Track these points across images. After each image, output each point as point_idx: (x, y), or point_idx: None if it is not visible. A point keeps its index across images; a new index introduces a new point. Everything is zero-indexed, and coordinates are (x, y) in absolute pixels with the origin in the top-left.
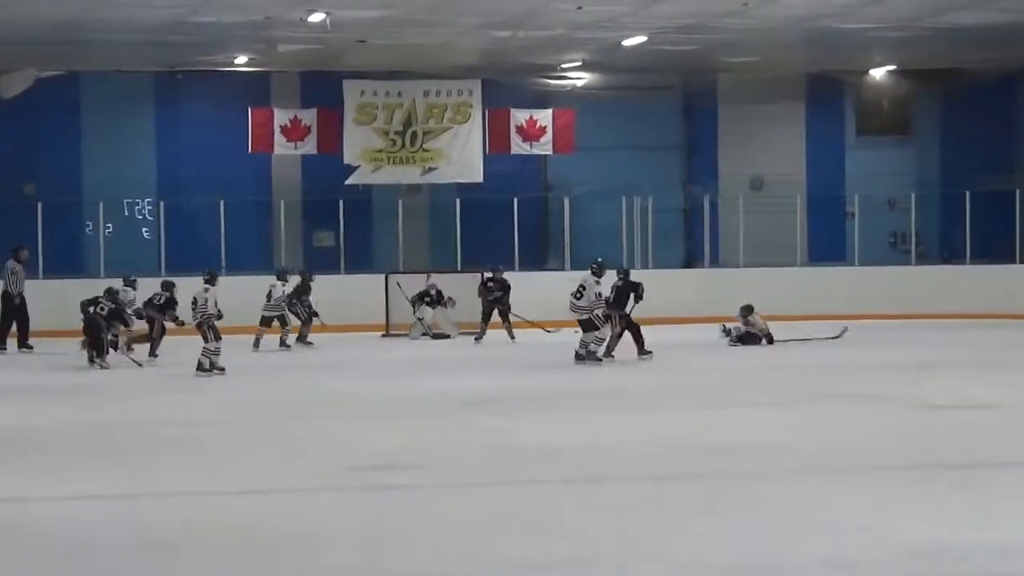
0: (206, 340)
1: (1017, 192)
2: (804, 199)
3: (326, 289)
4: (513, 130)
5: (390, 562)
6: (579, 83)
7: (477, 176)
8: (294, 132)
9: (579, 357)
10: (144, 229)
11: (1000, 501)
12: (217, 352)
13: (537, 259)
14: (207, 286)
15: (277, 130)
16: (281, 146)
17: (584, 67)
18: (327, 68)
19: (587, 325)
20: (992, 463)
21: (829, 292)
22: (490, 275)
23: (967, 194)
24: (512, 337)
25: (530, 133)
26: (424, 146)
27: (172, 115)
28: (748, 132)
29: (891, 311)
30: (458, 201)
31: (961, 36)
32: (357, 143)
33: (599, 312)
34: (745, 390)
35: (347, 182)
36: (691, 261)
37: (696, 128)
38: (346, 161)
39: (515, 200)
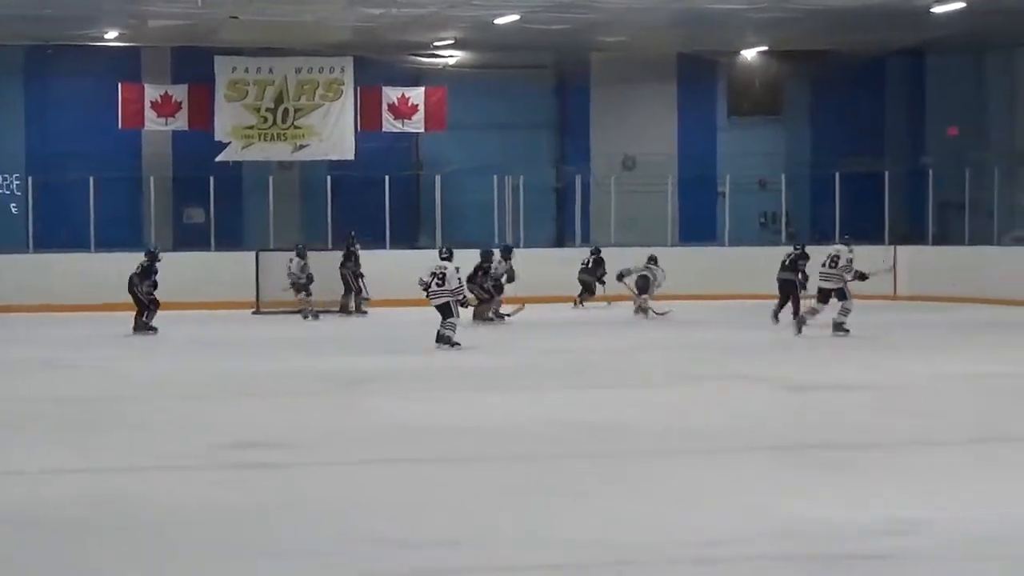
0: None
1: (886, 173)
2: (675, 179)
3: (195, 266)
4: (385, 108)
5: (261, 539)
6: (451, 61)
7: (348, 154)
8: (165, 108)
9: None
10: (12, 204)
11: (870, 481)
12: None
13: (408, 237)
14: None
15: (148, 106)
16: (152, 122)
17: (456, 45)
18: (198, 44)
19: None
20: (863, 443)
21: (699, 272)
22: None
23: (837, 175)
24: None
25: (402, 111)
26: (295, 123)
27: (42, 90)
28: (620, 112)
29: (762, 291)
30: (329, 178)
31: (832, 18)
32: (228, 120)
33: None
34: (621, 370)
35: (218, 159)
36: (562, 240)
37: (568, 107)
38: (217, 138)
39: (387, 178)
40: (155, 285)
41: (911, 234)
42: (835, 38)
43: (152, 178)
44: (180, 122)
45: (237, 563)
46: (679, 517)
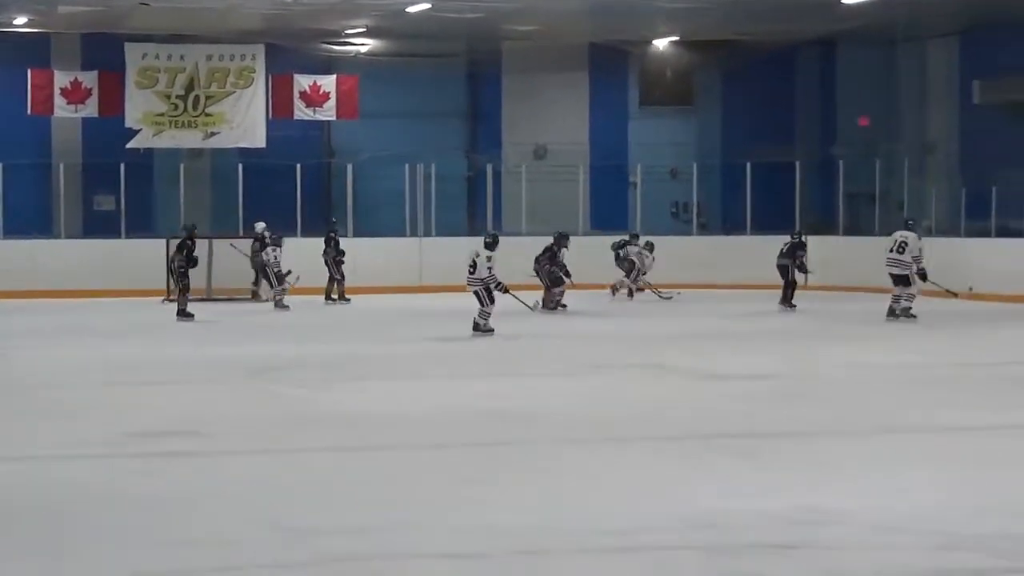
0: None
1: (797, 164)
2: (587, 168)
3: (105, 253)
4: (296, 96)
5: (173, 527)
6: (363, 49)
7: (260, 141)
8: (75, 94)
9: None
10: None
11: (781, 470)
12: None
13: (320, 225)
14: None
15: (57, 92)
16: (61, 108)
17: (368, 33)
18: (109, 30)
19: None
20: (774, 433)
21: (611, 261)
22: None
23: (748, 165)
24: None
25: (313, 99)
26: (206, 111)
27: None
28: (532, 101)
29: (672, 280)
30: (241, 166)
31: (743, 8)
32: (139, 107)
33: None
34: (534, 359)
35: (128, 146)
36: (474, 229)
37: (480, 96)
38: (127, 125)
39: (298, 166)
40: (189, 262)
41: (821, 224)
42: (746, 28)
43: (62, 165)
44: (90, 109)
45: (148, 552)
46: (590, 506)
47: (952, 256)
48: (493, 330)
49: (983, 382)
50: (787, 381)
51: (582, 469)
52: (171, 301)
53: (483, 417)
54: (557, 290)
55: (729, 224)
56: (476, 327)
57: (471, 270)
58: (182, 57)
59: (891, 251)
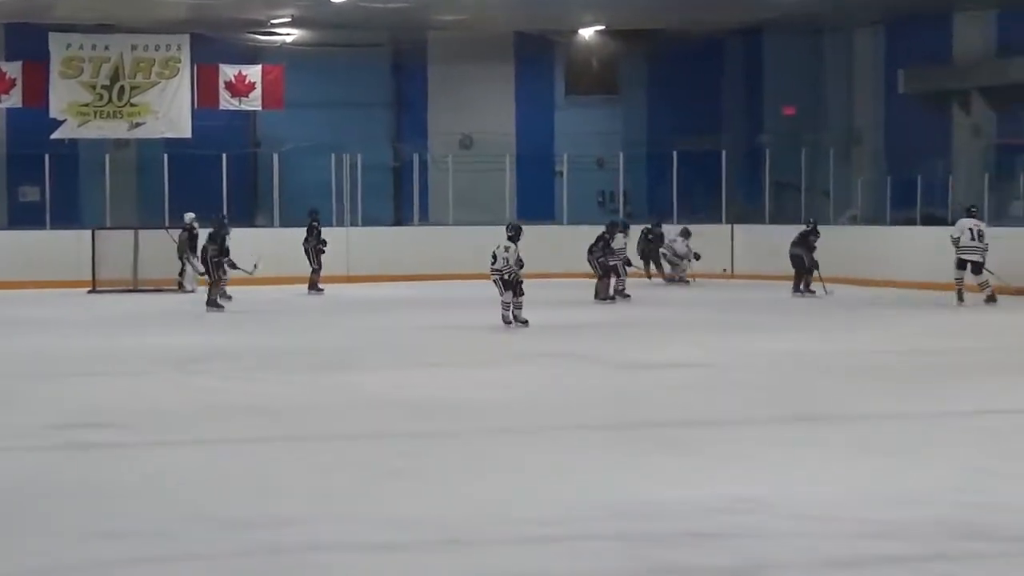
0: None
1: (723, 152)
2: (513, 158)
3: (30, 245)
4: (222, 85)
5: (97, 520)
6: (288, 39)
7: (185, 131)
8: None
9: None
10: None
11: (704, 459)
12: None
13: (246, 215)
14: None
15: None
16: None
17: (293, 23)
18: (33, 20)
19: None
20: (696, 421)
21: (538, 250)
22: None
23: (674, 154)
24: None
25: (239, 89)
26: (132, 101)
27: None
28: (458, 91)
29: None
30: (166, 156)
31: None
32: (63, 97)
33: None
34: (456, 349)
35: (53, 136)
36: (401, 219)
37: (406, 86)
38: (52, 115)
39: (224, 156)
40: (222, 252)
41: (747, 213)
42: (672, 17)
43: None
44: (14, 99)
45: (74, 545)
46: (511, 496)
47: (878, 244)
48: (527, 321)
49: (905, 370)
50: (711, 370)
51: (506, 459)
52: (97, 292)
53: (408, 408)
54: (619, 279)
55: (656, 213)
56: (507, 319)
57: (492, 260)
58: (107, 47)
59: (971, 239)
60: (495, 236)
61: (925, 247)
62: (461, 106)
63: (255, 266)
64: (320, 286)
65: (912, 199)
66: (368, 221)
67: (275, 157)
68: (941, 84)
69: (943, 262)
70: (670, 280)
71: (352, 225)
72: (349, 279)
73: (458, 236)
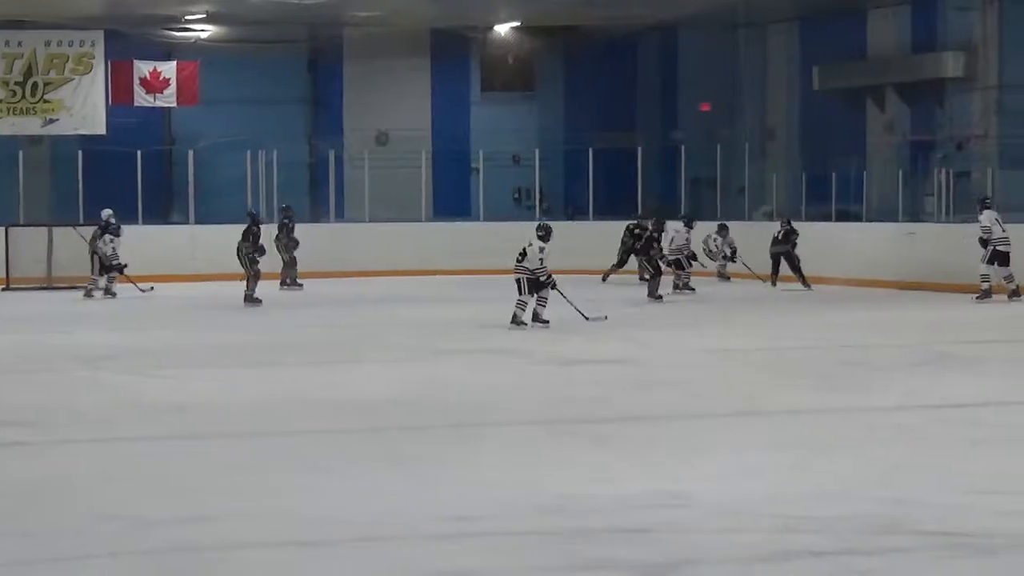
0: None
1: (639, 149)
2: (429, 155)
3: None
4: (136, 82)
5: (6, 518)
6: (203, 35)
7: (100, 128)
8: None
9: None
10: None
11: (633, 455)
12: None
13: (161, 212)
14: None
15: None
16: None
17: (208, 19)
18: None
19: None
20: (625, 417)
21: (454, 247)
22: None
23: (590, 151)
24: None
25: (154, 85)
26: (45, 97)
27: None
28: (374, 87)
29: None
30: (80, 153)
31: None
32: None
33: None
34: (377, 345)
35: None
36: (317, 216)
37: (321, 82)
38: None
39: (139, 153)
40: (256, 248)
41: (664, 210)
42: (588, 13)
43: None
44: None
45: None
46: (435, 492)
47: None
48: (548, 321)
49: (825, 365)
50: (636, 366)
51: (432, 455)
52: (10, 290)
53: (326, 405)
54: (683, 273)
55: (572, 210)
56: (518, 320)
57: (519, 257)
58: (20, 43)
59: (1003, 231)
60: (411, 232)
61: (840, 242)
62: (377, 103)
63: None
64: (300, 281)
65: (827, 195)
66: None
67: (190, 154)
68: (855, 80)
69: (859, 257)
70: (722, 278)
71: (268, 222)
72: (266, 276)
73: (374, 233)
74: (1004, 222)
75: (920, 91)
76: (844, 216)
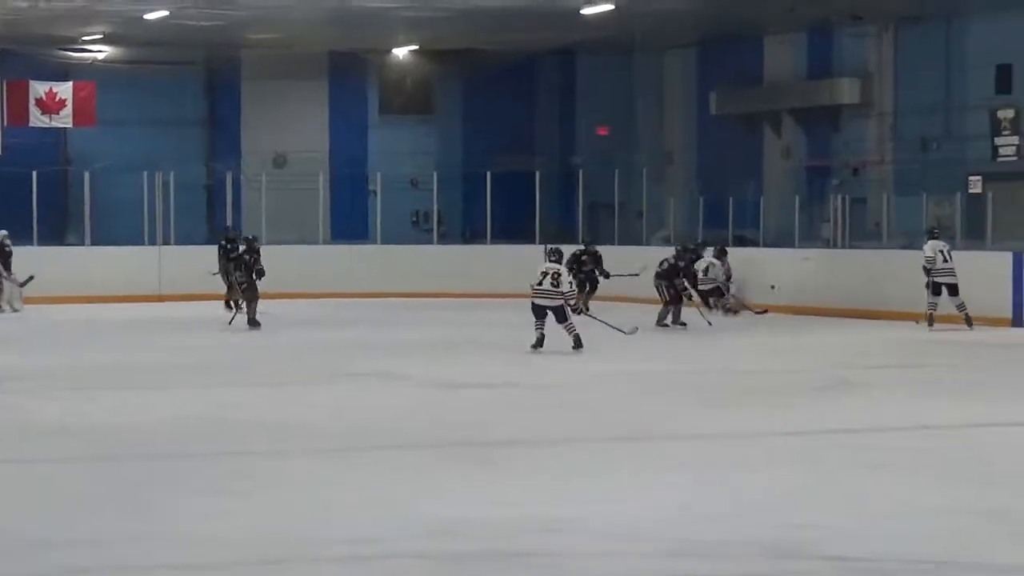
0: None
1: (537, 173)
2: (327, 177)
3: None
4: (32, 102)
5: None
6: (100, 56)
7: None
8: None
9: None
10: None
11: (517, 478)
12: None
13: (57, 234)
14: None
15: None
16: None
17: (105, 40)
18: None
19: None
20: (510, 441)
21: (351, 269)
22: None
23: (488, 174)
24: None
25: (49, 106)
26: None
27: None
28: (271, 109)
29: (412, 289)
30: None
31: (482, 17)
32: None
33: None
34: (269, 368)
35: None
36: (214, 238)
37: (219, 104)
38: None
39: (34, 173)
40: (249, 271)
41: (561, 234)
42: (486, 37)
43: None
44: None
45: None
46: (323, 516)
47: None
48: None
49: (716, 389)
50: (524, 390)
51: (316, 478)
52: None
53: (217, 427)
54: (721, 299)
55: (469, 233)
56: (577, 342)
57: (553, 283)
58: None
59: (943, 261)
60: (309, 255)
61: (740, 268)
62: (275, 125)
63: (29, 279)
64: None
65: (724, 220)
66: (180, 240)
67: (86, 175)
68: (752, 106)
69: (754, 282)
70: (727, 311)
71: (164, 244)
72: (161, 298)
73: (271, 255)
74: (901, 247)
75: (816, 117)
76: (740, 241)
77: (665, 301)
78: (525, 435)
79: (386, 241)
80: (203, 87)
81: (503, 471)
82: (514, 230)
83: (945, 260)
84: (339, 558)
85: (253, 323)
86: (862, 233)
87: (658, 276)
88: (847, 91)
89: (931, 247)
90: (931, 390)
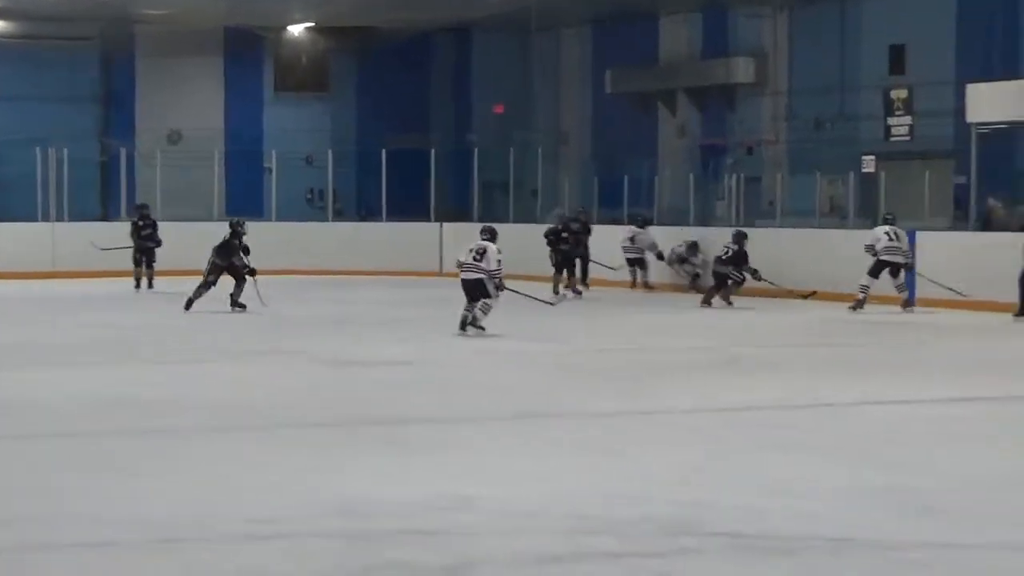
0: None
1: (432, 151)
2: (222, 154)
3: None
4: None
5: None
6: None
7: None
8: None
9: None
10: None
11: (418, 457)
12: None
13: None
14: None
15: None
16: None
17: None
18: None
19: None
20: (409, 418)
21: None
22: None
23: (383, 152)
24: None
25: None
26: None
27: None
28: (166, 85)
29: (308, 267)
30: None
31: None
32: None
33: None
34: (170, 346)
35: None
36: (108, 214)
37: (113, 80)
38: None
39: None
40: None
41: (456, 212)
42: (382, 14)
43: None
44: None
45: None
46: (228, 494)
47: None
48: (485, 328)
49: (622, 368)
50: (421, 367)
51: (222, 457)
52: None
53: (113, 405)
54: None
55: (364, 211)
56: (472, 322)
57: (476, 258)
58: None
59: (889, 240)
60: (203, 232)
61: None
62: (170, 101)
63: None
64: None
65: (619, 198)
66: (75, 216)
67: None
68: (647, 85)
69: (653, 261)
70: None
71: (58, 220)
72: (54, 275)
73: (166, 232)
74: (794, 226)
75: (711, 96)
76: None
77: (734, 281)
78: (430, 413)
79: (281, 218)
80: (98, 63)
81: (404, 449)
82: (409, 208)
83: (892, 239)
84: (245, 537)
85: (238, 305)
86: (756, 211)
87: (722, 263)
88: (742, 70)
89: (873, 234)
90: (833, 369)
